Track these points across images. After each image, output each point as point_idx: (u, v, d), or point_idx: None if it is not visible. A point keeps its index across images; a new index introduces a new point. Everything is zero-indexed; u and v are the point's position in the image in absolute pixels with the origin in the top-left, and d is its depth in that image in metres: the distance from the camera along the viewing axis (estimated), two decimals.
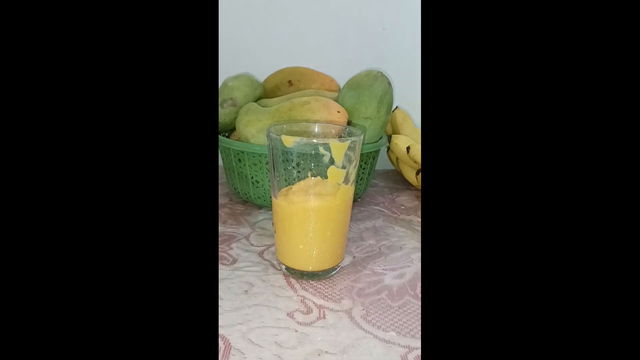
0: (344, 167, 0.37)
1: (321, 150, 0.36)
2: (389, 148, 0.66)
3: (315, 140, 0.36)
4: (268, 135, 0.37)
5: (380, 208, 0.58)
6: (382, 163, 0.70)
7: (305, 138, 0.36)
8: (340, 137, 0.40)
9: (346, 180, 0.37)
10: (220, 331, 0.31)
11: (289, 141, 0.36)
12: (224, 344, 0.30)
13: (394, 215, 0.55)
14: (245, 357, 0.29)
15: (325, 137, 0.41)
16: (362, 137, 0.37)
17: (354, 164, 0.37)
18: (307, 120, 0.47)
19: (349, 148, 0.36)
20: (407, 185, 0.67)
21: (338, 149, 0.35)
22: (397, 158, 0.66)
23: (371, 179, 0.61)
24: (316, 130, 0.41)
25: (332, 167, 0.36)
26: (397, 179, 0.70)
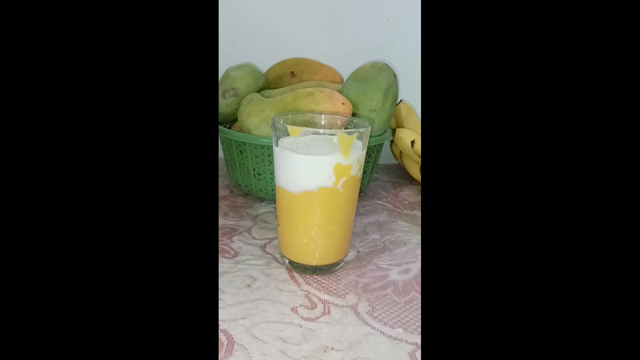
0: (350, 159, 0.36)
1: (328, 141, 0.35)
2: (392, 142, 0.66)
3: (321, 131, 0.35)
4: (273, 125, 0.36)
5: (383, 202, 0.57)
6: (384, 157, 0.69)
7: (311, 129, 0.35)
8: (346, 128, 0.39)
9: (353, 172, 0.36)
10: (223, 325, 0.30)
11: (295, 132, 0.35)
12: (226, 338, 0.29)
13: (398, 210, 0.55)
14: (249, 353, 0.28)
15: (331, 128, 0.40)
16: (369, 128, 0.36)
17: (361, 155, 0.36)
18: (312, 112, 0.46)
19: (357, 140, 0.35)
20: (409, 179, 0.66)
21: (345, 141, 0.34)
22: (400, 152, 0.65)
23: (374, 173, 0.60)
24: (322, 121, 0.40)
25: (337, 163, 0.35)
26: (399, 173, 0.70)
